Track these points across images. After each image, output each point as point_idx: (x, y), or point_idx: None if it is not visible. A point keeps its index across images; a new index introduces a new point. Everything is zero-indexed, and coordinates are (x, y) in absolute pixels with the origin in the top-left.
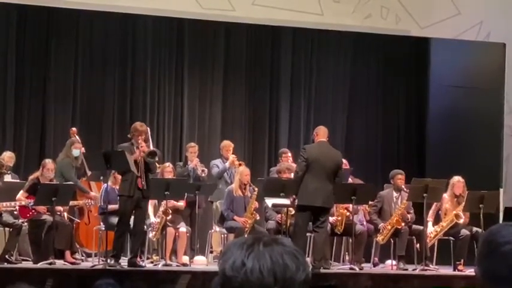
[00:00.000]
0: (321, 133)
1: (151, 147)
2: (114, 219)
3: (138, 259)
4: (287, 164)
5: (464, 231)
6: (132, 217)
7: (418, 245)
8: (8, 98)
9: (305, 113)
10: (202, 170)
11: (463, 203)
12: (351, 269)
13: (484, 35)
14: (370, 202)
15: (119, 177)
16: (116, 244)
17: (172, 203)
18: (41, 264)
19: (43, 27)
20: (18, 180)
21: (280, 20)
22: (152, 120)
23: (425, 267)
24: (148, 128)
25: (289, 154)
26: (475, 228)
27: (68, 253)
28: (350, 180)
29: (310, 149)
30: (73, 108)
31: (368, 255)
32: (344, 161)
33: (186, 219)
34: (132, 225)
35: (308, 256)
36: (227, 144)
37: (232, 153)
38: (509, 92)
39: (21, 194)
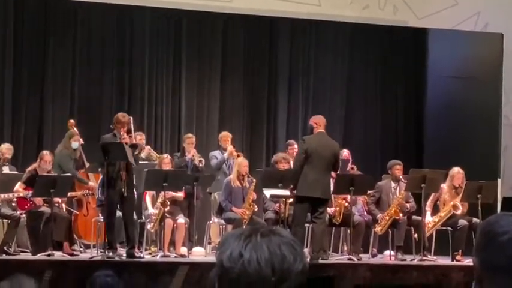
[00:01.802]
0: (320, 123)
1: (134, 139)
2: None
3: (137, 250)
4: (283, 154)
5: (463, 222)
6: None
7: (416, 236)
8: (6, 91)
9: (303, 104)
10: (200, 160)
11: (461, 193)
12: (349, 259)
13: (481, 26)
14: (368, 192)
15: None
16: (108, 236)
17: (171, 194)
18: (39, 256)
19: (41, 21)
20: (16, 172)
21: (278, 11)
22: (150, 112)
23: (424, 258)
24: (132, 118)
25: (295, 146)
26: (473, 219)
27: (66, 245)
28: (349, 168)
29: (309, 141)
30: (71, 101)
31: (366, 246)
32: (346, 151)
33: (185, 211)
34: (122, 217)
35: (306, 247)
36: (225, 135)
37: (231, 144)
38: (507, 83)
39: (18, 186)
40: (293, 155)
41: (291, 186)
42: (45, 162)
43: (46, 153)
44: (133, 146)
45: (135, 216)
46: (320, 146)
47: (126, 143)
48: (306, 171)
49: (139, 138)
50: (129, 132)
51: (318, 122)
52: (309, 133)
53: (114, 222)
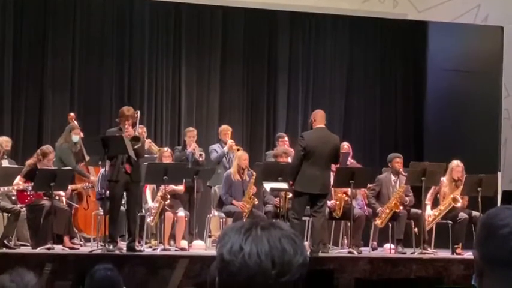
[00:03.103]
0: (319, 118)
1: (137, 132)
2: None
3: (137, 244)
4: (284, 148)
5: (463, 215)
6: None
7: (416, 229)
8: (6, 84)
9: (303, 97)
10: (200, 154)
11: (461, 186)
12: (350, 252)
13: (481, 19)
14: (368, 185)
15: None
16: (111, 230)
17: (171, 187)
18: (40, 249)
19: (40, 13)
20: (15, 166)
21: (277, 4)
22: (150, 105)
23: (424, 251)
24: (139, 112)
25: (286, 138)
26: (473, 212)
27: (66, 238)
28: (349, 163)
29: (307, 137)
30: (71, 93)
31: (366, 239)
32: (346, 144)
33: (185, 204)
34: (126, 210)
35: (306, 240)
36: (225, 129)
37: (230, 138)
38: (507, 76)
39: (18, 179)
40: (284, 147)
41: (290, 182)
42: (49, 160)
43: (50, 151)
44: (135, 139)
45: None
46: (319, 142)
47: (128, 136)
48: (304, 168)
49: (141, 131)
50: (134, 125)
51: (315, 118)
52: (309, 129)
53: (118, 215)
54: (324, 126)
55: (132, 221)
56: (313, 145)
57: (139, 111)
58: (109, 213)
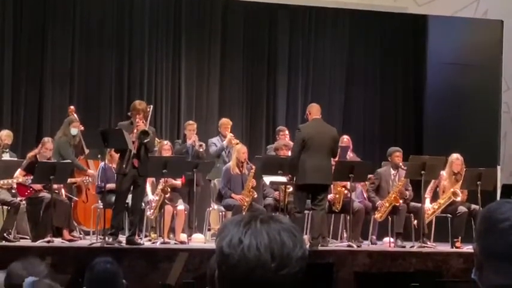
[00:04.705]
0: (314, 111)
1: (147, 126)
2: (112, 197)
3: (136, 237)
4: (284, 141)
5: (462, 209)
6: (131, 195)
7: (415, 222)
8: (6, 77)
9: (302, 91)
10: (200, 145)
11: (461, 180)
12: (349, 246)
13: (481, 12)
14: (369, 176)
15: (115, 155)
16: (114, 222)
17: (170, 181)
18: (39, 242)
19: (40, 6)
20: (16, 159)
21: None
22: (150, 98)
23: (423, 245)
24: (151, 106)
25: (287, 132)
26: (472, 206)
27: (66, 231)
28: (349, 156)
29: (305, 129)
30: (70, 86)
31: (366, 233)
32: (346, 137)
33: (184, 197)
34: (130, 203)
35: (306, 234)
36: (226, 122)
37: (231, 131)
38: (506, 69)
39: (19, 172)
40: (285, 140)
41: (289, 176)
42: (46, 149)
43: (48, 140)
44: (145, 133)
45: None
46: (317, 132)
47: (137, 130)
48: (304, 159)
49: None
50: (146, 119)
51: (310, 111)
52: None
53: (125, 210)
54: (319, 117)
55: (135, 215)
56: (310, 135)
57: (152, 106)
58: (114, 205)
